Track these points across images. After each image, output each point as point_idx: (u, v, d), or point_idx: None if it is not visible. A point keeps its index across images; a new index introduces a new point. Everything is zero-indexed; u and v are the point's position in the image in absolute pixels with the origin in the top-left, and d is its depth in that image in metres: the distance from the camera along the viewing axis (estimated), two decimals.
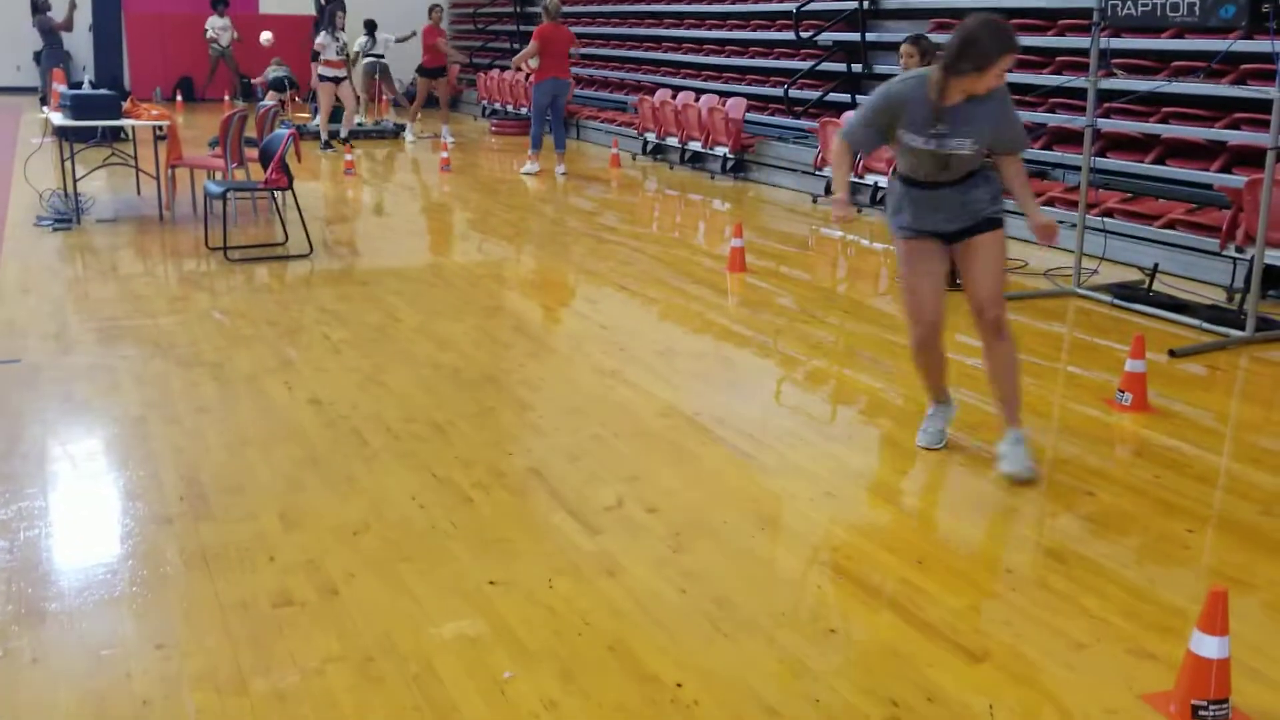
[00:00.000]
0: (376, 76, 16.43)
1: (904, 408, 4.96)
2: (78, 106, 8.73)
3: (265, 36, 15.89)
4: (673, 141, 13.34)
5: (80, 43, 21.20)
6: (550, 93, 12.05)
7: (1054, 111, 9.14)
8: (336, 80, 14.21)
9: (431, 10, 15.56)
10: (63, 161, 8.84)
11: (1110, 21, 6.63)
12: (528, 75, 12.88)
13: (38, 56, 21.91)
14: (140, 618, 3.08)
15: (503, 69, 19.51)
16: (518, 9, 20.15)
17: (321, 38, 14.30)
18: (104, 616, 3.08)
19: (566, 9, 17.82)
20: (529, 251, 8.48)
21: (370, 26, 16.40)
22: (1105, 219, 7.85)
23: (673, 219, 10.25)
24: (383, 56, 16.35)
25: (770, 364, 5.66)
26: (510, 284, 7.38)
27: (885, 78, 11.27)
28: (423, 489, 3.97)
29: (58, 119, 8.99)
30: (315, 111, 15.08)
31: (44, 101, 19.04)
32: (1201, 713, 2.61)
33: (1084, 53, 7.95)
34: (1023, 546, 3.63)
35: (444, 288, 7.12)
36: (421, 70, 15.66)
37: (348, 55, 14.43)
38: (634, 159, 14.03)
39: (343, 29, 14.28)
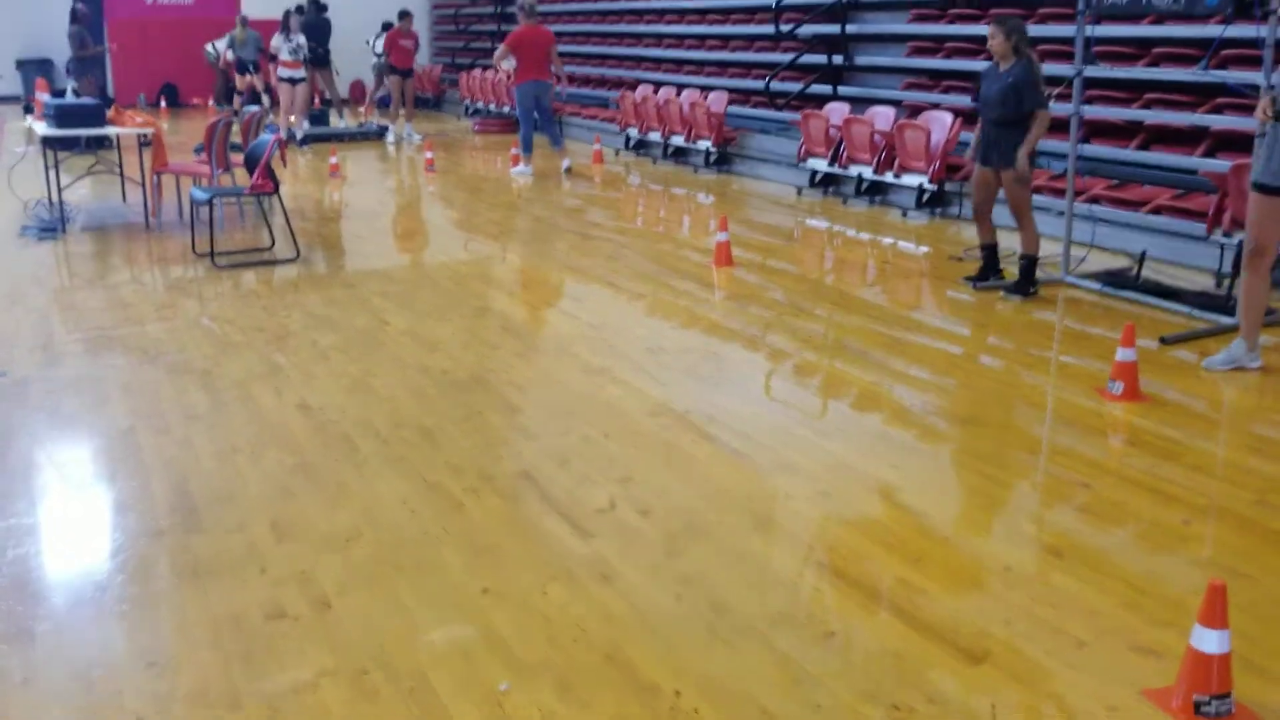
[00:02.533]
0: (384, 76, 16.54)
1: (896, 401, 4.94)
2: (61, 115, 8.66)
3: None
4: (655, 137, 13.30)
5: (62, 50, 21.05)
6: (532, 94, 12.00)
7: None
8: (293, 81, 14.58)
9: (403, 17, 15.58)
10: (47, 170, 8.77)
11: (1094, 10, 6.62)
12: (509, 76, 12.83)
13: (20, 64, 21.79)
14: (131, 635, 3.05)
15: (485, 68, 19.44)
16: (498, 9, 20.06)
17: (275, 40, 14.60)
18: (95, 634, 3.05)
19: (545, 7, 17.78)
20: (515, 250, 8.45)
21: (386, 28, 16.55)
22: (1092, 206, 7.85)
23: (658, 214, 10.22)
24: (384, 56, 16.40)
25: (760, 358, 5.65)
26: (497, 283, 7.35)
27: (867, 69, 11.24)
28: (413, 495, 3.94)
29: (41, 128, 8.91)
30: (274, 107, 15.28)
31: (27, 110, 18.95)
32: (1204, 708, 2.60)
33: (1066, 40, 7.95)
34: (1020, 542, 3.62)
35: (431, 289, 7.08)
36: (391, 69, 15.69)
37: (304, 57, 14.67)
38: (617, 155, 13.99)
39: (298, 31, 14.54)
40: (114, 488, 4.04)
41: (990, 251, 6.95)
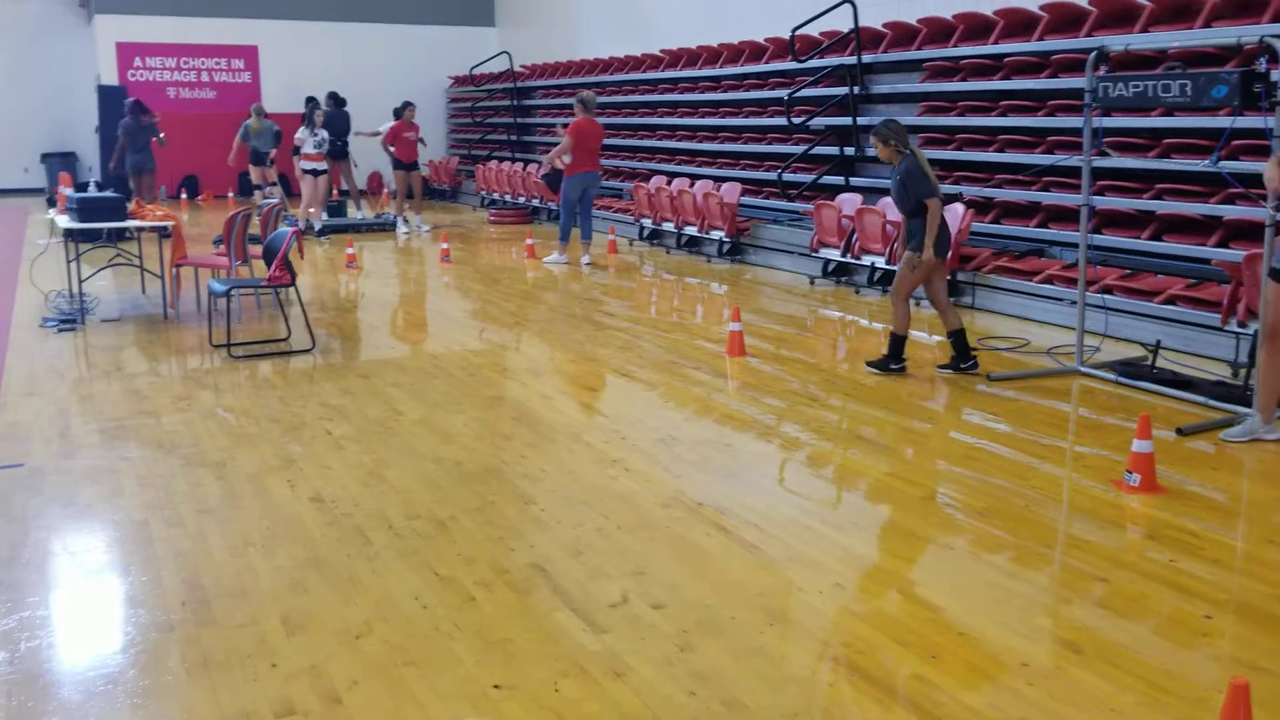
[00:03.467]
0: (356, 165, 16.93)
1: (910, 493, 4.92)
2: (84, 209, 8.84)
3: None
4: (669, 227, 13.47)
5: (87, 144, 21.59)
6: (581, 185, 12.11)
7: (1049, 190, 9.24)
8: (315, 173, 15.05)
9: (405, 108, 15.89)
10: (68, 263, 8.91)
11: (1102, 103, 6.73)
12: (545, 171, 12.99)
13: (44, 158, 22.33)
14: None
15: (500, 160, 19.82)
16: (514, 102, 20.52)
17: (300, 133, 15.04)
18: None
19: (558, 100, 18.16)
20: (528, 340, 8.51)
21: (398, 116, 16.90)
22: (1105, 296, 7.88)
23: (671, 303, 10.29)
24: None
25: (773, 449, 5.63)
26: (510, 373, 7.38)
27: (877, 160, 11.42)
28: (426, 588, 3.92)
29: (64, 221, 9.09)
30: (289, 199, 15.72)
31: (51, 203, 19.35)
32: None
33: (1076, 132, 8.07)
34: (1038, 636, 3.57)
35: (444, 379, 7.12)
36: (396, 164, 15.90)
37: (326, 150, 15.08)
38: (630, 244, 14.16)
39: (321, 125, 14.95)
40: (127, 580, 4.03)
41: (957, 337, 7.08)
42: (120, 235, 11.23)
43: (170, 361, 7.73)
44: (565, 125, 12.77)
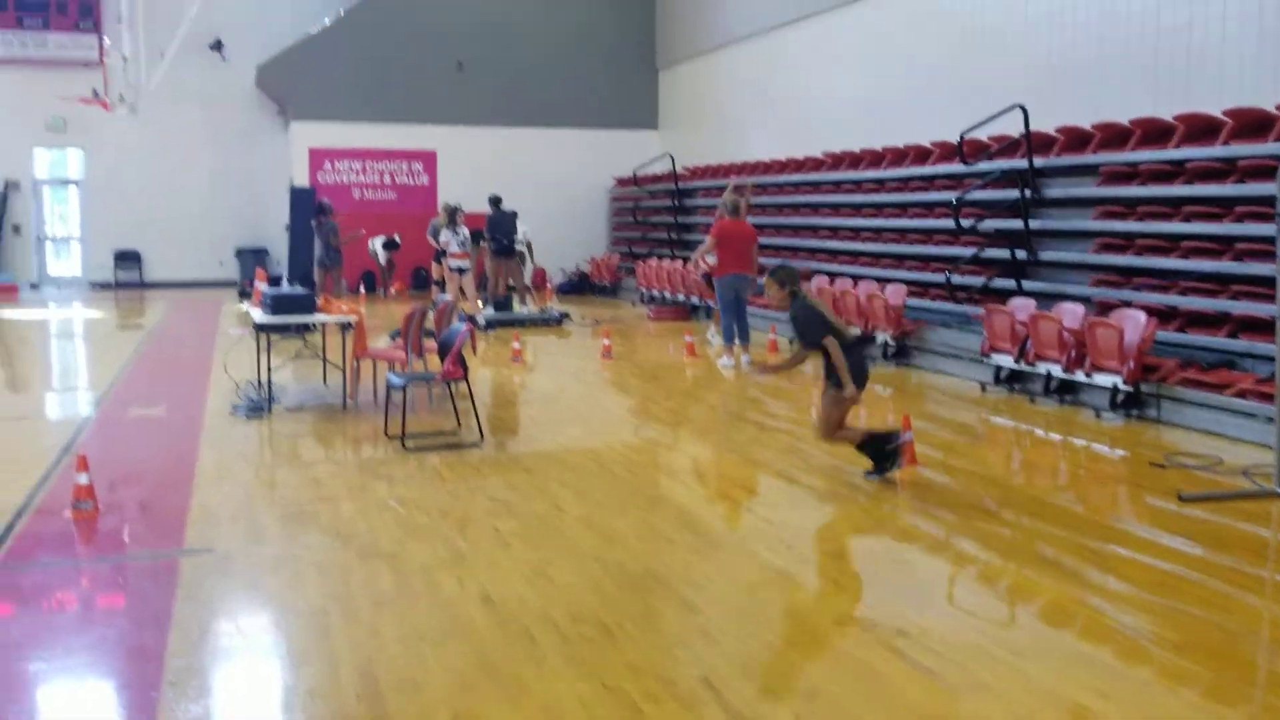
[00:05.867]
0: (524, 263, 17.52)
1: (1097, 618, 4.65)
2: (277, 304, 9.37)
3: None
4: None
5: (277, 240, 23.02)
6: (733, 287, 12.21)
7: (1238, 299, 8.79)
8: (461, 271, 16.13)
9: (496, 201, 17.03)
10: (258, 354, 9.44)
11: None
12: (698, 266, 13.15)
13: (238, 253, 23.91)
14: None
15: (660, 257, 20.15)
16: (675, 201, 20.93)
17: (444, 235, 16.23)
18: None
19: (719, 199, 18.43)
20: (690, 439, 8.50)
21: (452, 213, 17.62)
22: None
23: None
24: (522, 245, 17.38)
25: (949, 565, 5.43)
26: (673, 473, 7.38)
27: (1052, 265, 11.11)
28: (593, 697, 3.89)
29: (258, 316, 9.64)
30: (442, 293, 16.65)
31: (242, 295, 20.67)
32: None
33: (1265, 239, 7.70)
34: None
35: (607, 477, 7.17)
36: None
37: (468, 249, 16.16)
38: (791, 344, 14.07)
39: (464, 224, 16.18)
40: (306, 671, 4.14)
41: (868, 442, 6.91)
42: (306, 327, 11.85)
43: (347, 450, 8.03)
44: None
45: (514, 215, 17.19)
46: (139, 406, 9.72)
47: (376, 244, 20.64)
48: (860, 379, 6.82)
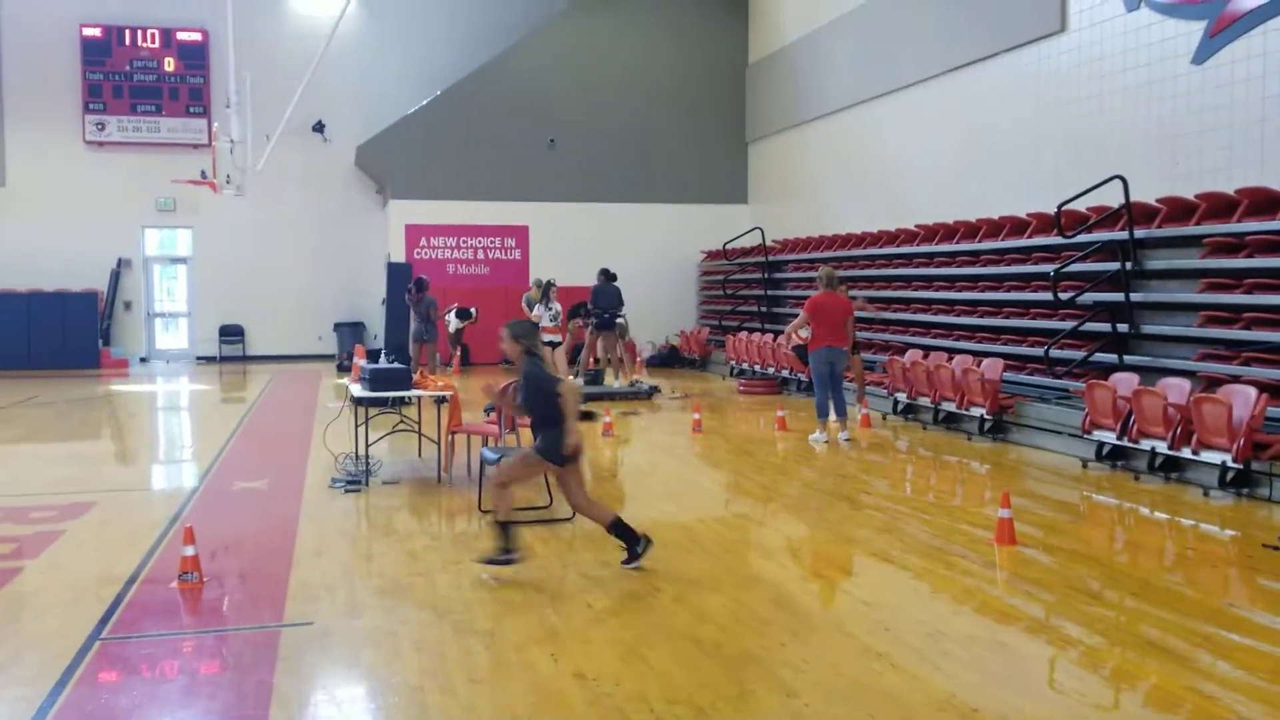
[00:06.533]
0: (623, 337, 17.56)
1: (1206, 706, 4.44)
2: (375, 379, 9.59)
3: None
4: (925, 401, 13.18)
5: (374, 314, 23.62)
6: (826, 360, 12.07)
7: None
8: (553, 345, 16.34)
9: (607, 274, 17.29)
10: (356, 427, 9.65)
11: None
12: (789, 340, 13.06)
13: (336, 327, 24.58)
14: None
15: (749, 331, 20.16)
16: (765, 274, 20.98)
17: (536, 310, 16.58)
18: None
19: (809, 272, 18.41)
20: (783, 517, 8.41)
21: (547, 288, 17.88)
22: None
23: (930, 483, 9.97)
24: (622, 318, 17.45)
25: (1052, 651, 5.25)
26: (766, 552, 7.30)
27: (1155, 338, 10.83)
28: None
29: (357, 390, 9.87)
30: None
31: (340, 368, 21.21)
32: None
33: None
34: None
35: (700, 554, 7.12)
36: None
37: (559, 323, 16.56)
38: (884, 419, 13.92)
39: (556, 299, 16.53)
40: None
41: (616, 527, 6.73)
42: (402, 401, 12.08)
43: (442, 524, 8.12)
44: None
45: (618, 290, 17.36)
46: (242, 479, 9.98)
47: (450, 314, 20.99)
48: (559, 451, 6.59)
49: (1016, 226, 13.63)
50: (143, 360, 24.74)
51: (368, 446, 9.68)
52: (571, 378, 16.36)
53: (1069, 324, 11.78)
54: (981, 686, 4.74)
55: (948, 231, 15.18)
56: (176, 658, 5.30)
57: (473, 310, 21.26)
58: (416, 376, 10.16)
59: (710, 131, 24.39)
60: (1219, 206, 10.40)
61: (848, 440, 11.92)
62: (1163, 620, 5.63)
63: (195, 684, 4.89)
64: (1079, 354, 11.52)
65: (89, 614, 5.84)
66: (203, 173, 21.45)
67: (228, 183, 20.65)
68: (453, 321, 21.27)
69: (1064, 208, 11.67)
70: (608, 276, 17.56)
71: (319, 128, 24.70)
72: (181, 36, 24.31)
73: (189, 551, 6.37)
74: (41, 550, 7.31)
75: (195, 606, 6.11)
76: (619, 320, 17.40)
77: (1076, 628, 5.54)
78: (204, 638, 5.65)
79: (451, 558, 7.03)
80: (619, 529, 6.74)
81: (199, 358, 24.99)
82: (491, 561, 6.59)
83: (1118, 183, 11.02)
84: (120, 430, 14.53)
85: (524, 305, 18.22)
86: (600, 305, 17.00)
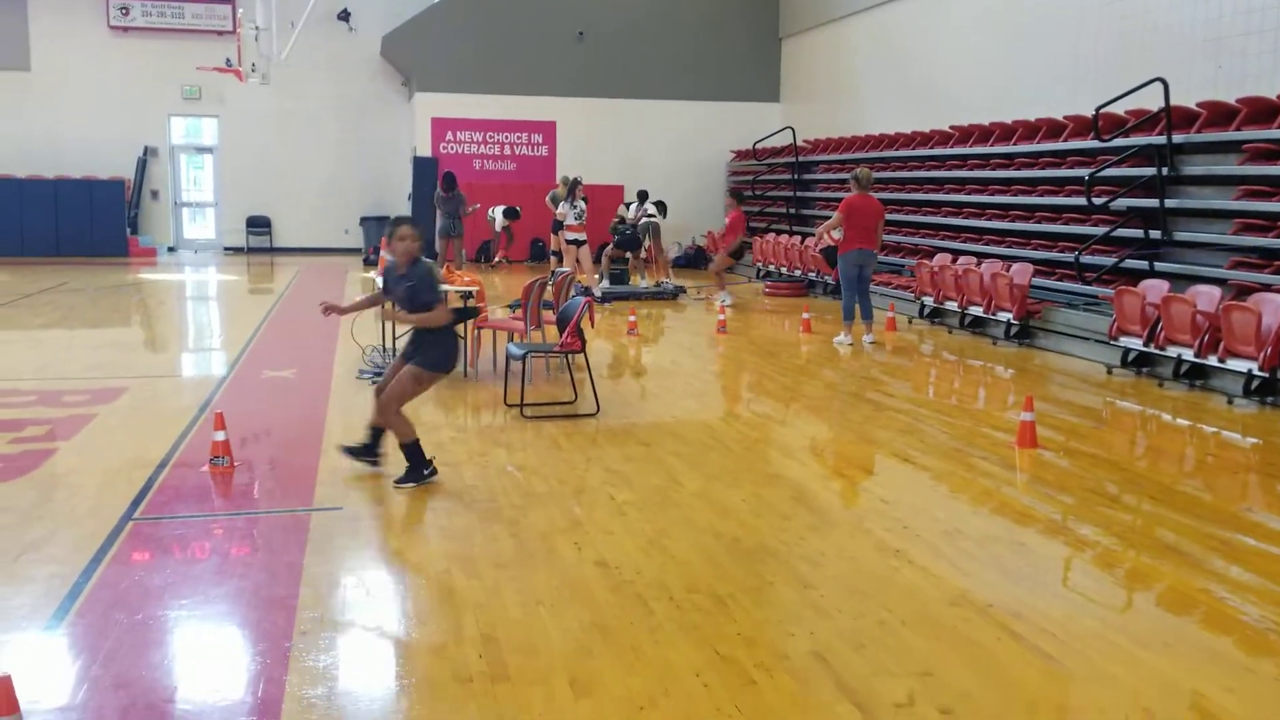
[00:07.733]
0: (647, 237, 17.36)
1: (1228, 612, 4.51)
2: None
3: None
4: (952, 306, 13.11)
5: (401, 209, 23.55)
6: (857, 263, 11.94)
7: None
8: (578, 243, 16.18)
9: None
10: (382, 321, 9.72)
11: None
12: (825, 244, 12.87)
13: (363, 221, 24.56)
14: None
15: (778, 233, 20.00)
16: (795, 175, 20.72)
17: (562, 208, 16.36)
18: None
19: (840, 174, 18.17)
20: (805, 417, 8.47)
21: (643, 196, 17.82)
22: None
23: (954, 386, 9.99)
24: (655, 217, 17.32)
25: (1068, 551, 5.32)
26: (788, 450, 7.37)
27: (1187, 245, 10.69)
28: (707, 666, 3.94)
29: (383, 284, 9.90)
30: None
31: (367, 262, 21.26)
32: None
33: None
34: None
35: (722, 451, 7.20)
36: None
37: (583, 221, 16.28)
38: (910, 322, 13.87)
39: (583, 198, 16.27)
40: (429, 629, 4.29)
41: (410, 449, 6.28)
42: None
43: (468, 417, 8.23)
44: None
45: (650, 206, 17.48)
46: (271, 368, 10.11)
47: (497, 212, 21.01)
48: (451, 360, 6.49)
49: (1053, 129, 13.36)
50: (170, 250, 24.87)
51: (394, 340, 9.75)
52: (598, 278, 16.34)
53: (1101, 229, 11.62)
54: (996, 584, 4.82)
55: (983, 133, 14.90)
56: (208, 539, 5.45)
57: (518, 208, 21.22)
58: (443, 271, 10.17)
59: (743, 26, 23.82)
60: (1261, 111, 10.14)
61: (873, 344, 11.90)
62: (1179, 524, 5.68)
63: (227, 564, 5.04)
64: (1109, 260, 11.39)
65: (122, 495, 5.99)
66: (228, 60, 21.26)
67: (253, 71, 20.47)
68: (499, 219, 21.19)
69: (1102, 110, 11.41)
70: (642, 199, 17.62)
71: (344, 16, 24.32)
72: None
73: (220, 436, 6.50)
74: (74, 433, 7.47)
75: (226, 490, 6.25)
76: (652, 220, 17.33)
77: (1093, 530, 5.60)
78: (235, 520, 5.80)
79: (477, 450, 7.14)
80: (411, 450, 6.29)
81: (226, 248, 25.08)
82: (350, 451, 6.53)
83: (1158, 85, 10.75)
84: (150, 318, 14.69)
85: (549, 202, 18.10)
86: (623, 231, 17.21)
